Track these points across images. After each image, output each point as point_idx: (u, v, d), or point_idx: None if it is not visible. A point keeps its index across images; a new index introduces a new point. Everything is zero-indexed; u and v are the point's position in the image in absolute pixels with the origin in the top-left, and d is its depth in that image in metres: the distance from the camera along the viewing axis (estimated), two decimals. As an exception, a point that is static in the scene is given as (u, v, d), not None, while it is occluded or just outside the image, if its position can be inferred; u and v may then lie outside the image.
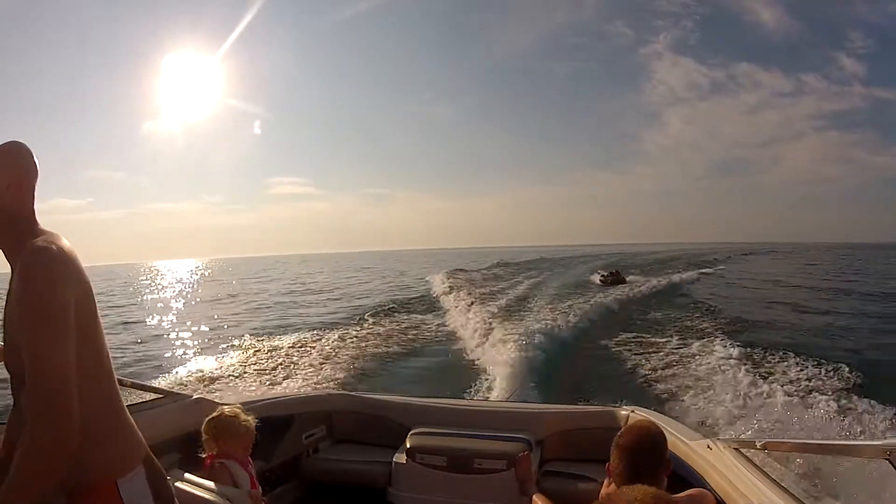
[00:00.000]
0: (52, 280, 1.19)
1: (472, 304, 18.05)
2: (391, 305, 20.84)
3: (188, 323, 20.90)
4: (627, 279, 27.87)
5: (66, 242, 1.28)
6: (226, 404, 2.43)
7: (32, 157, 1.33)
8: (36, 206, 1.32)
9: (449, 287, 24.58)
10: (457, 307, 17.85)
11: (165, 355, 13.99)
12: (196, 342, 15.93)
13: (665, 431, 2.40)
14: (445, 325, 15.66)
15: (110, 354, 1.36)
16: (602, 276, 28.60)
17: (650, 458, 1.53)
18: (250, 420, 2.18)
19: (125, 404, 1.39)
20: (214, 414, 2.18)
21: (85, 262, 1.31)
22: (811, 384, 7.74)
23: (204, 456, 2.13)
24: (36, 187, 1.33)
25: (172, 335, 17.64)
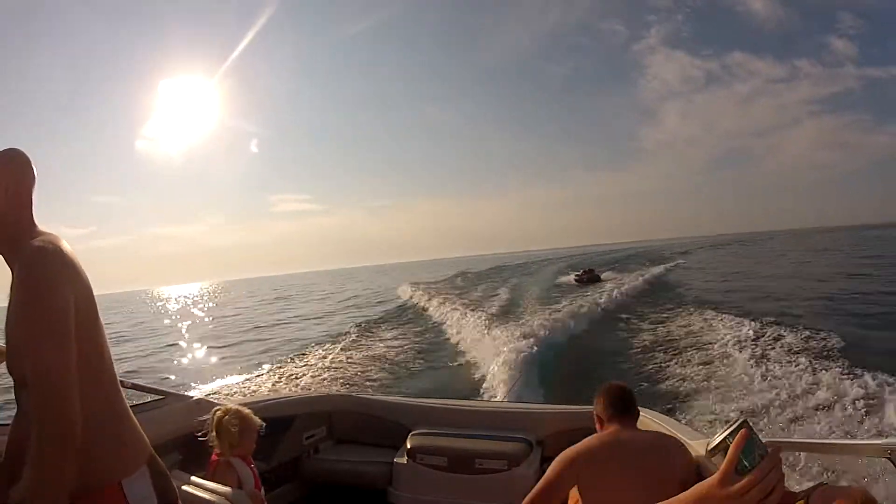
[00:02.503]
0: (52, 281, 1.18)
1: (471, 308, 18.07)
2: (391, 310, 20.88)
3: (191, 326, 20.91)
4: (602, 277, 27.97)
5: (65, 244, 1.28)
6: (224, 405, 2.43)
7: (30, 163, 1.34)
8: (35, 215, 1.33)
9: (443, 291, 24.68)
10: (455, 311, 17.86)
11: (167, 357, 13.99)
12: (197, 344, 15.92)
13: (666, 431, 2.41)
14: (445, 328, 15.66)
15: (112, 356, 1.36)
16: (577, 275, 28.66)
17: (631, 397, 1.93)
18: (256, 417, 2.23)
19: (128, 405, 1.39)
20: (223, 412, 2.17)
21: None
22: (811, 382, 7.72)
23: (214, 455, 2.14)
24: (34, 193, 1.34)
25: (177, 340, 17.63)
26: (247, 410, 2.22)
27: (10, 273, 1.26)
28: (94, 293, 1.29)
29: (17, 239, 1.26)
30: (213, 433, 2.15)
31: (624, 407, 1.89)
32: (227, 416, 2.16)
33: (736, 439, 0.78)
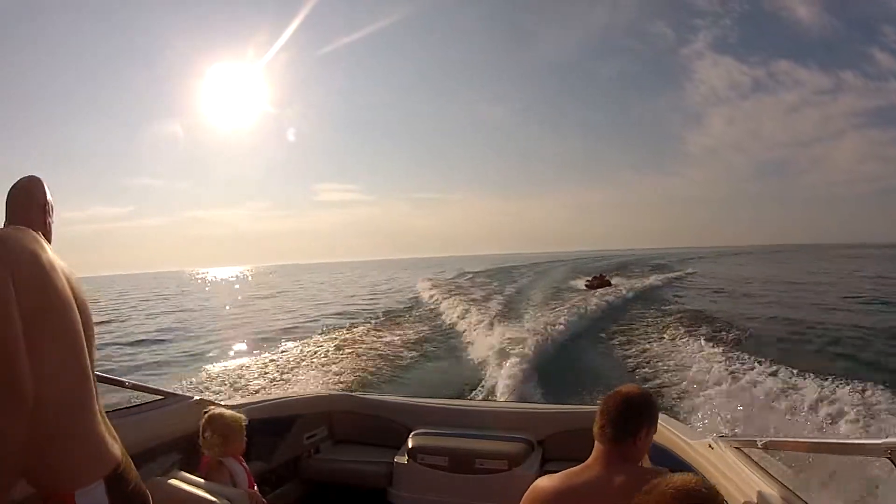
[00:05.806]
0: None
1: (472, 306, 18.07)
2: (392, 308, 20.87)
3: (194, 326, 20.92)
4: (612, 283, 28.20)
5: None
6: (223, 405, 2.44)
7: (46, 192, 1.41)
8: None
9: (446, 290, 24.66)
10: (456, 310, 17.85)
11: (168, 357, 14.00)
12: (198, 344, 15.93)
13: (666, 431, 2.41)
14: (445, 327, 15.65)
15: (93, 356, 1.31)
16: (588, 281, 28.97)
17: (626, 418, 1.51)
18: (240, 415, 2.25)
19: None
20: (210, 417, 2.19)
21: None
22: (812, 382, 7.72)
23: (205, 456, 2.15)
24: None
25: (176, 338, 17.63)
26: (231, 413, 2.23)
27: None
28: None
29: None
30: (203, 436, 2.16)
31: (612, 431, 1.50)
32: (214, 422, 2.17)
33: None
